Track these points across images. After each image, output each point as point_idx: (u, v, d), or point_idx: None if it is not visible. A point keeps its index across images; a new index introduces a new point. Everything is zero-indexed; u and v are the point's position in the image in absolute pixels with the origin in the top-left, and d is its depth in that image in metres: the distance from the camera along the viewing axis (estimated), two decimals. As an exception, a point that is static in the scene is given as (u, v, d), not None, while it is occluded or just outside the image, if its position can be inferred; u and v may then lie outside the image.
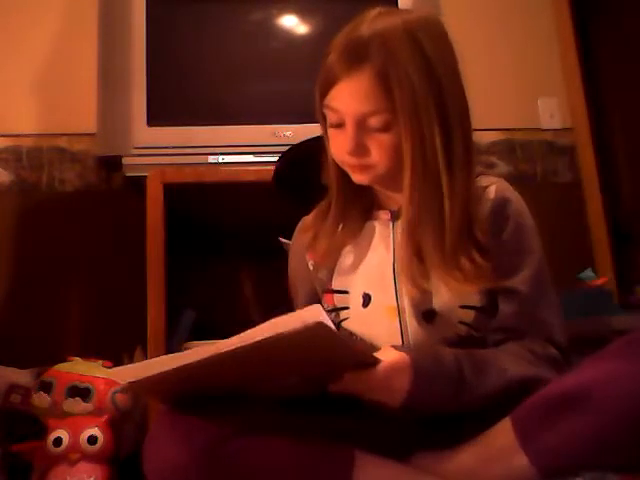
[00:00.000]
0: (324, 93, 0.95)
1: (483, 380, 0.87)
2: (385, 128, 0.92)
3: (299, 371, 0.82)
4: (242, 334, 0.75)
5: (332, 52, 0.93)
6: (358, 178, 0.98)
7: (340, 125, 0.95)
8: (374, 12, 0.95)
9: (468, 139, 0.95)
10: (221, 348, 0.74)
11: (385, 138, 0.92)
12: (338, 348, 0.78)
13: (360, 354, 0.79)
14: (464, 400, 0.86)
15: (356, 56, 0.90)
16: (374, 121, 0.92)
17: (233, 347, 0.73)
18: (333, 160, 1.00)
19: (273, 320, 0.74)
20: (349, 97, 0.92)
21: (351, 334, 0.98)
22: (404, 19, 0.93)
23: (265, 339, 0.72)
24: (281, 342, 0.72)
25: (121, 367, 0.80)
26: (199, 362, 0.75)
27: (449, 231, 0.92)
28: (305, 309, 0.76)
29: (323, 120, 0.99)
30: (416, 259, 0.94)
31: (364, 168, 0.96)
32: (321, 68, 0.95)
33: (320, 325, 0.72)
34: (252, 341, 0.72)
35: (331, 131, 0.97)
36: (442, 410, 0.87)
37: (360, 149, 0.93)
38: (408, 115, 0.89)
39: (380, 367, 0.81)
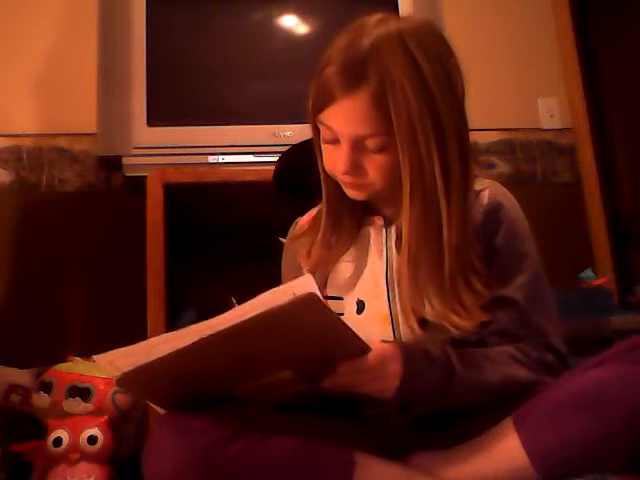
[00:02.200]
0: (319, 109, 0.92)
1: (473, 371, 0.87)
2: (382, 149, 0.90)
3: (292, 358, 0.81)
4: (236, 308, 0.75)
5: (329, 66, 0.90)
6: (352, 194, 0.97)
7: (335, 141, 0.93)
8: (371, 23, 0.92)
9: (465, 155, 0.92)
10: (211, 327, 0.74)
11: (381, 159, 0.91)
12: (329, 324, 0.78)
13: (350, 331, 0.79)
14: (456, 391, 0.86)
15: (354, 76, 0.87)
16: (371, 143, 0.90)
17: (224, 327, 0.73)
18: (325, 172, 0.98)
19: (265, 294, 0.74)
20: (346, 119, 0.90)
21: None
22: (400, 32, 0.89)
23: (257, 315, 0.72)
24: (273, 317, 0.72)
25: (108, 353, 0.79)
26: (190, 347, 0.75)
27: (448, 259, 0.90)
28: (296, 280, 0.76)
29: (316, 131, 0.97)
30: (415, 287, 0.92)
31: (359, 186, 0.95)
32: (316, 80, 0.92)
33: (311, 296, 0.72)
34: (244, 319, 0.72)
35: (325, 146, 0.96)
36: (436, 402, 0.88)
37: (355, 169, 0.92)
38: (406, 138, 0.87)
39: (372, 355, 0.82)
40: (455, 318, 0.88)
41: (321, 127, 0.94)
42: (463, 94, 0.94)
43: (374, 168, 0.92)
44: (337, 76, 0.89)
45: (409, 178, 0.89)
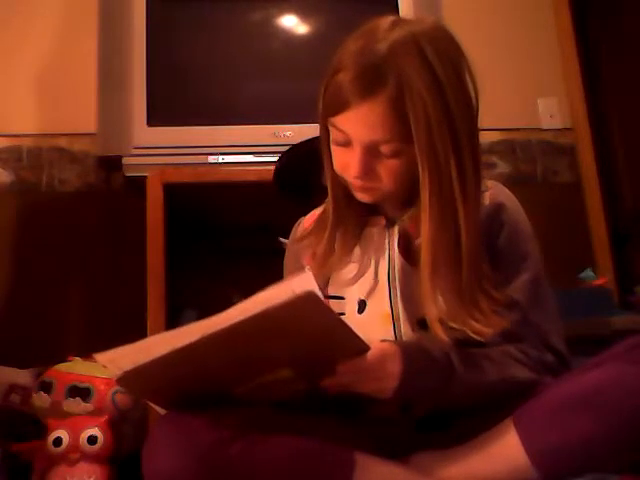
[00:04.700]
0: (332, 113, 0.91)
1: (473, 371, 0.87)
2: (396, 154, 0.90)
3: (292, 356, 0.81)
4: (235, 306, 0.75)
5: (343, 71, 0.89)
6: (361, 196, 0.96)
7: (346, 144, 0.92)
8: (384, 26, 0.90)
9: (477, 159, 0.91)
10: (211, 326, 0.74)
11: (394, 163, 0.90)
12: (328, 323, 0.78)
13: (349, 329, 0.79)
14: (456, 391, 0.86)
15: (370, 82, 0.86)
16: (385, 148, 0.89)
17: (223, 325, 0.73)
18: (332, 172, 0.98)
19: (264, 291, 0.74)
20: (361, 124, 0.89)
21: None
22: (415, 36, 0.88)
23: (256, 314, 0.72)
24: (272, 315, 0.72)
25: (109, 351, 0.79)
26: (190, 345, 0.75)
27: (465, 265, 0.89)
28: (296, 278, 0.76)
29: (325, 132, 0.96)
30: (432, 293, 0.90)
31: (369, 189, 0.94)
32: (328, 84, 0.91)
33: (310, 294, 0.72)
34: (243, 317, 0.72)
35: (335, 147, 0.95)
36: (435, 402, 0.88)
37: (368, 173, 0.91)
38: (425, 145, 0.87)
39: (371, 354, 0.82)
40: (474, 324, 0.88)
41: (332, 129, 0.93)
42: (477, 97, 0.93)
43: (387, 172, 0.91)
44: (353, 81, 0.87)
45: (428, 184, 0.88)
